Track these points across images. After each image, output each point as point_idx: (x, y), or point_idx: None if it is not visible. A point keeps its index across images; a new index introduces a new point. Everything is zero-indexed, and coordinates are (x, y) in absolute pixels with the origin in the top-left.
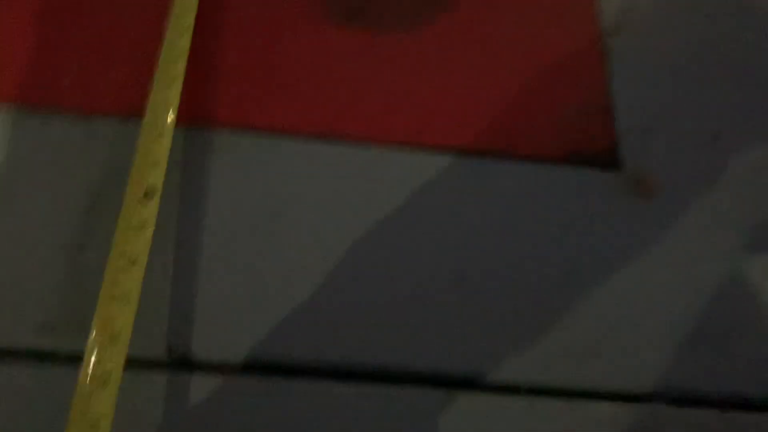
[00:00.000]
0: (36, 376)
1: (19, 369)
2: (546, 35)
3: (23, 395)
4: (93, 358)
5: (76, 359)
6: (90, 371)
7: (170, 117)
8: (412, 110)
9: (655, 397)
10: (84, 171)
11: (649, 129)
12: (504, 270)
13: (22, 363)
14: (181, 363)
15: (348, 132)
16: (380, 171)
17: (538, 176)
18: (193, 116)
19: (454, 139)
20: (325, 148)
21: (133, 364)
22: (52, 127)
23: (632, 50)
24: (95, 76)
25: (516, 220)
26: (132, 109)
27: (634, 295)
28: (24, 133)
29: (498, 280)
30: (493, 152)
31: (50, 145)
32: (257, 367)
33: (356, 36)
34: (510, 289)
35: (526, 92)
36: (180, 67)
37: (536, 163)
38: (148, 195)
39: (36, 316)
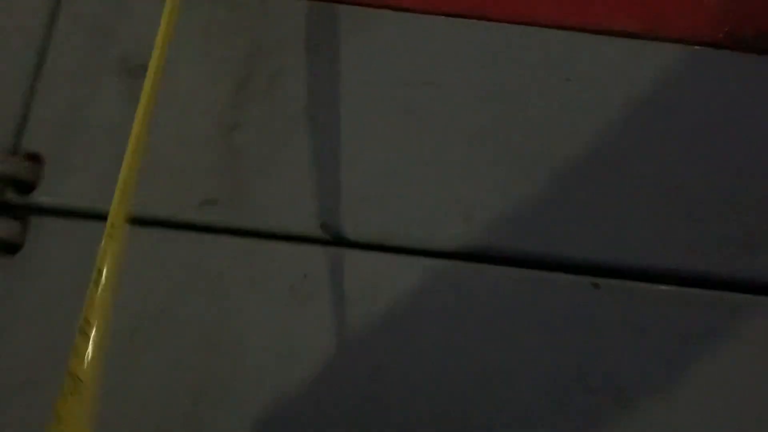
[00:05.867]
0: (197, 246)
1: (184, 238)
2: None
3: (185, 263)
4: None
5: (235, 231)
6: None
7: None
8: None
9: None
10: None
11: None
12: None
13: (186, 234)
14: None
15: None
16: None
17: (690, 60)
18: None
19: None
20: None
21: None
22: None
23: None
24: None
25: (675, 105)
26: None
27: None
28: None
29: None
30: (639, 34)
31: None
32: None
33: None
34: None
35: None
36: None
37: (688, 45)
38: None
39: (199, 192)
